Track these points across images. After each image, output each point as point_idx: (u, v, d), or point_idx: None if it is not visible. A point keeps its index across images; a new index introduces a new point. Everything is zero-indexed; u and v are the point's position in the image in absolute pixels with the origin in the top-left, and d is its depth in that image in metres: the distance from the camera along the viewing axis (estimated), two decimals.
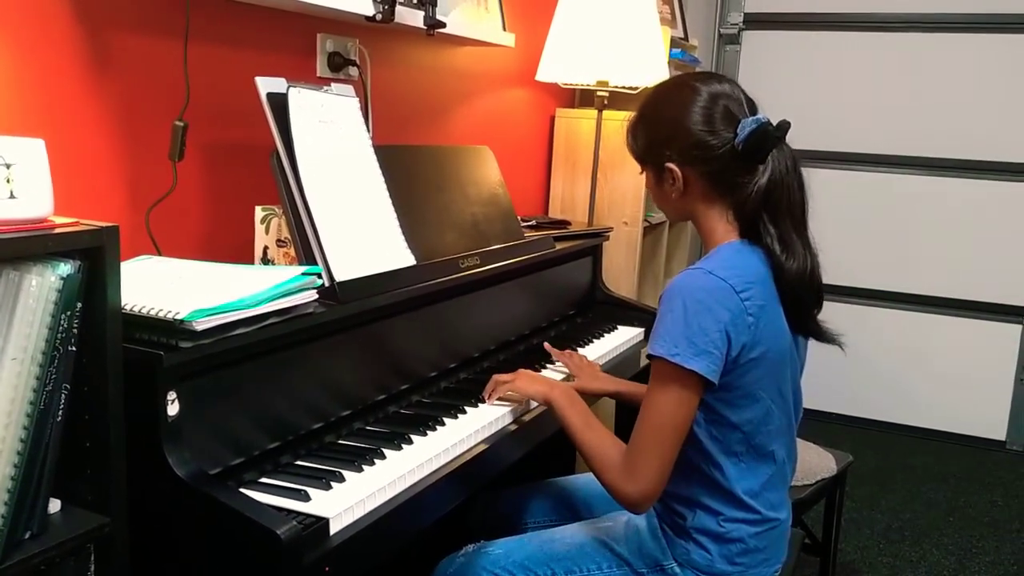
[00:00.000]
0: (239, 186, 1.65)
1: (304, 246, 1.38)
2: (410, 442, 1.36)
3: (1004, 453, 3.69)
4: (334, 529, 1.11)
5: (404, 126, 2.14)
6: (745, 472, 1.34)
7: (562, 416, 1.42)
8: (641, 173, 1.43)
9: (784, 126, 1.30)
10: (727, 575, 1.35)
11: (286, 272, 1.27)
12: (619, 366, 1.97)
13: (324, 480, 1.19)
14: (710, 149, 1.30)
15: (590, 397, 1.73)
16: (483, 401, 1.55)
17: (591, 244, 2.31)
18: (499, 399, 1.55)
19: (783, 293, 1.32)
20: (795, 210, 1.32)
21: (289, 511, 1.11)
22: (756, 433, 1.32)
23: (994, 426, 3.73)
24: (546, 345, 1.87)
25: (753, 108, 1.33)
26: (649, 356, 1.28)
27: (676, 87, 1.37)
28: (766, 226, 1.30)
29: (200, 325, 1.10)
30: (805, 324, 1.37)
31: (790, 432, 1.41)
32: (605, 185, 2.77)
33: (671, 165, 1.33)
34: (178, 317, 1.09)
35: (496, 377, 1.57)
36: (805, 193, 1.33)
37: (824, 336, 1.40)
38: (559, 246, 2.07)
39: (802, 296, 1.33)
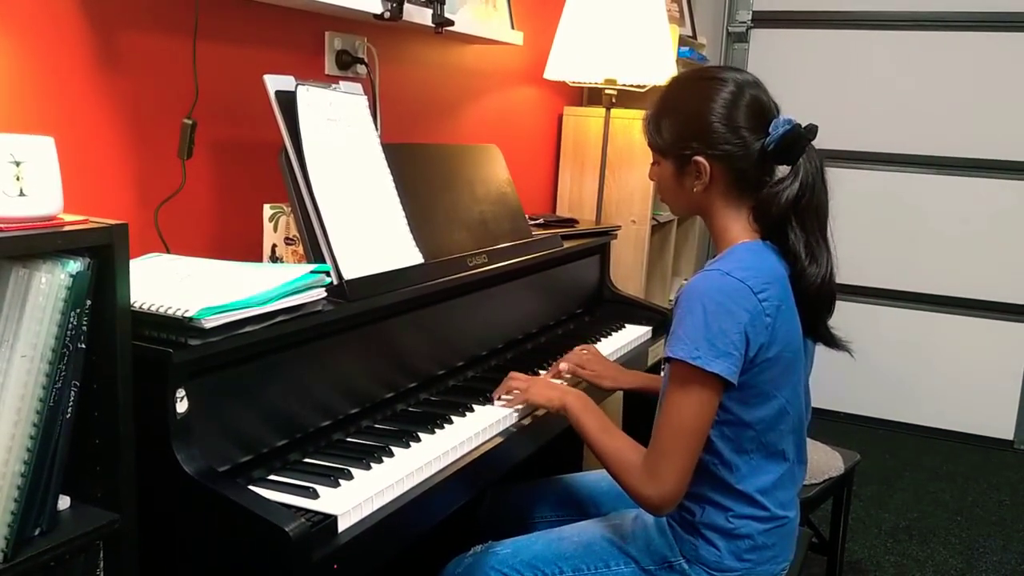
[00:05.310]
0: (248, 184, 1.65)
1: (312, 244, 1.39)
2: (418, 440, 1.36)
3: (1012, 453, 3.68)
4: (342, 526, 1.11)
5: (412, 124, 2.14)
6: (756, 470, 1.34)
7: (578, 422, 1.41)
8: (654, 164, 1.41)
9: (813, 129, 1.29)
10: (735, 572, 1.35)
11: (295, 270, 1.27)
12: (627, 364, 1.95)
13: (332, 478, 1.19)
14: (742, 145, 1.30)
15: (603, 394, 1.73)
16: (491, 401, 1.54)
17: (599, 242, 2.31)
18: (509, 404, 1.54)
19: (799, 297, 1.32)
20: (821, 214, 1.32)
21: (298, 508, 1.11)
22: (768, 431, 1.32)
23: (1002, 426, 3.72)
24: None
25: (776, 104, 1.33)
26: (668, 359, 1.27)
27: (705, 79, 1.34)
28: (795, 230, 1.30)
29: (209, 323, 1.10)
30: (816, 329, 1.38)
31: (800, 432, 1.40)
32: (613, 183, 2.76)
33: (700, 158, 1.32)
34: (187, 315, 1.09)
35: (512, 375, 1.56)
36: (827, 196, 1.33)
37: (833, 342, 1.40)
38: (567, 244, 2.07)
39: (817, 301, 1.33)
